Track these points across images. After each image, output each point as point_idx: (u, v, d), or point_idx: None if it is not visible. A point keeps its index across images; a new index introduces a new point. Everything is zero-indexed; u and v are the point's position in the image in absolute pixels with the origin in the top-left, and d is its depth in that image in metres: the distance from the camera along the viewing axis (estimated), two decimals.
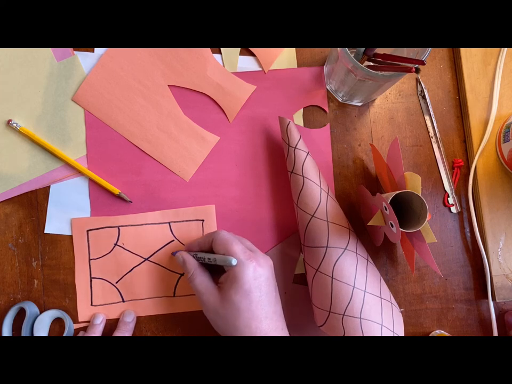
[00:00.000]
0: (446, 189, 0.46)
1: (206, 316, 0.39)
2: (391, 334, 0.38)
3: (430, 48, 0.36)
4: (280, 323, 0.38)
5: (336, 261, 0.39)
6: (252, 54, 0.47)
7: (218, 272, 0.39)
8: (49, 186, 0.46)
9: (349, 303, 0.38)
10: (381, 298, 0.39)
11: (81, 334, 0.44)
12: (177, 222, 0.46)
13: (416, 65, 0.35)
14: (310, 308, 0.45)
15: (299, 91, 0.47)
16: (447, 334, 0.45)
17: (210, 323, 0.38)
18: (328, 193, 0.41)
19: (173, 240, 0.45)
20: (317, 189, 0.41)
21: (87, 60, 0.46)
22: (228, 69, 0.46)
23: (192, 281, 0.39)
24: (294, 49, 0.47)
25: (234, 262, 0.36)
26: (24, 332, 0.43)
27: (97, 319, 0.44)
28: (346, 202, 0.46)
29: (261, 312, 0.36)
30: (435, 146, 0.47)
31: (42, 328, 0.44)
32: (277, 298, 0.39)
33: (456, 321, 0.46)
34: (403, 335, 0.40)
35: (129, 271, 0.45)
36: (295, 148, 0.42)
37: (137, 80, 0.46)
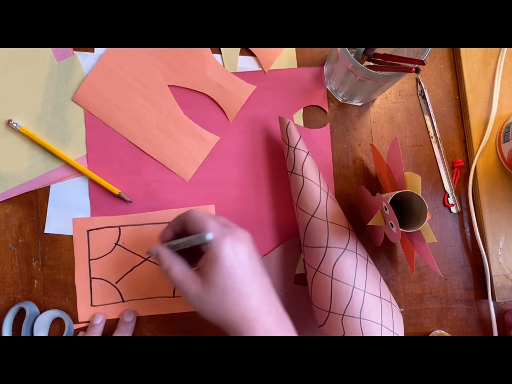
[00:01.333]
0: (446, 189, 0.46)
1: (191, 306, 0.35)
2: (391, 334, 0.38)
3: (430, 48, 0.36)
4: (271, 298, 0.36)
5: (336, 261, 0.39)
6: (252, 54, 0.47)
7: (197, 258, 0.36)
8: (49, 186, 0.46)
9: (349, 303, 0.38)
10: (380, 298, 0.39)
11: (81, 334, 0.44)
12: None
13: (416, 65, 0.35)
14: (310, 308, 0.45)
15: (299, 91, 0.47)
16: (447, 334, 0.45)
17: (197, 312, 0.35)
18: (328, 193, 0.41)
19: None
20: (316, 189, 0.41)
21: (87, 60, 0.46)
22: (228, 69, 0.46)
23: (168, 273, 0.35)
24: (294, 49, 0.47)
25: (209, 236, 0.33)
26: (24, 332, 0.43)
27: (96, 319, 0.44)
28: (346, 202, 0.46)
29: (247, 288, 0.34)
30: (435, 146, 0.47)
31: (42, 328, 0.44)
32: (263, 271, 0.37)
33: (456, 321, 0.46)
34: (403, 335, 0.40)
35: (129, 271, 0.45)
36: (295, 148, 0.42)
37: (137, 80, 0.46)
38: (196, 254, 0.37)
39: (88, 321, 0.45)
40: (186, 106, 0.46)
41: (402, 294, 0.46)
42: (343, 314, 0.38)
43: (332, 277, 0.39)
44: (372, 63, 0.40)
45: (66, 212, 0.45)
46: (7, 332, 0.44)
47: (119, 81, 0.46)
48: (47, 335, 0.45)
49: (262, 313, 0.34)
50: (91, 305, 0.45)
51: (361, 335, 0.37)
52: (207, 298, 0.34)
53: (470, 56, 0.46)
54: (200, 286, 0.34)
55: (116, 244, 0.45)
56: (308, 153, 0.42)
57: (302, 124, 0.47)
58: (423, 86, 0.47)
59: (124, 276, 0.45)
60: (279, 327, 0.35)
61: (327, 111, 0.47)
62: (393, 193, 0.36)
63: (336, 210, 0.41)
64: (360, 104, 0.47)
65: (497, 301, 0.44)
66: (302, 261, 0.46)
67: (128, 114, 0.46)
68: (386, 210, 0.36)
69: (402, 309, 0.46)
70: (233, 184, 0.46)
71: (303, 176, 0.41)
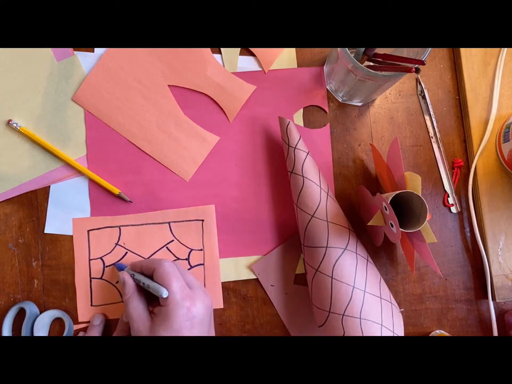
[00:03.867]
0: (446, 189, 0.46)
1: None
2: (390, 334, 0.38)
3: (430, 48, 0.36)
4: None
5: (336, 261, 0.39)
6: (252, 54, 0.47)
7: (156, 298, 0.39)
8: (49, 186, 0.46)
9: (349, 303, 0.38)
10: (380, 298, 0.39)
11: (81, 334, 0.44)
12: (177, 222, 0.46)
13: (416, 65, 0.35)
14: (310, 308, 0.45)
15: (299, 91, 0.47)
16: (447, 334, 0.45)
17: None
18: (328, 193, 0.41)
19: (173, 240, 0.46)
20: (316, 189, 0.41)
21: (87, 60, 0.46)
22: (228, 69, 0.46)
23: (127, 305, 0.38)
24: (294, 49, 0.47)
25: (165, 294, 0.36)
26: (24, 332, 0.43)
27: (96, 319, 0.44)
28: (346, 202, 0.46)
29: None
30: (435, 146, 0.47)
31: (42, 328, 0.44)
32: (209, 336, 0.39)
33: (456, 321, 0.46)
34: (403, 335, 0.40)
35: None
36: (295, 148, 0.42)
37: (137, 80, 0.46)
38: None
39: (88, 321, 0.45)
40: (186, 106, 0.46)
41: (402, 294, 0.46)
42: (343, 315, 0.38)
43: (332, 277, 0.39)
44: (372, 63, 0.40)
45: (66, 212, 0.45)
46: (7, 331, 0.44)
47: (119, 81, 0.46)
48: (47, 335, 0.45)
49: None
50: (91, 305, 0.45)
51: (361, 335, 0.37)
52: None
53: (470, 56, 0.46)
54: (148, 330, 0.37)
55: (116, 244, 0.45)
56: (307, 153, 0.42)
57: (302, 124, 0.47)
58: (423, 86, 0.47)
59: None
60: None
61: (327, 111, 0.47)
62: (393, 193, 0.36)
63: (336, 210, 0.41)
64: (360, 104, 0.47)
65: (497, 301, 0.44)
66: (302, 261, 0.46)
67: (128, 114, 0.46)
68: (386, 210, 0.36)
69: (402, 309, 0.46)
70: (233, 184, 0.46)
71: (303, 176, 0.41)
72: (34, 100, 0.46)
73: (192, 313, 0.36)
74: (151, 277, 0.39)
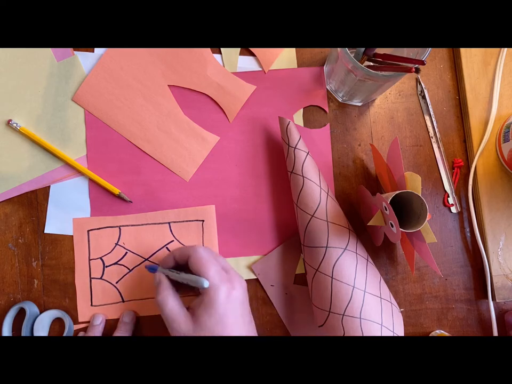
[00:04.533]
0: (446, 189, 0.46)
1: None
2: (391, 334, 0.38)
3: (430, 48, 0.36)
4: None
5: (336, 261, 0.39)
6: (252, 54, 0.47)
7: (185, 286, 0.38)
8: (49, 186, 0.46)
9: (349, 303, 0.38)
10: (380, 298, 0.39)
11: (81, 334, 0.44)
12: (177, 222, 0.46)
13: (416, 65, 0.35)
14: (310, 308, 0.45)
15: (299, 91, 0.47)
16: (447, 334, 0.45)
17: None
18: (328, 193, 0.41)
19: (173, 241, 0.46)
20: (316, 189, 0.41)
21: (87, 60, 0.46)
22: (228, 69, 0.46)
23: (162, 306, 0.36)
24: (294, 49, 0.47)
25: (206, 284, 0.35)
26: (24, 332, 0.43)
27: (96, 319, 0.44)
28: (346, 202, 0.46)
29: (236, 334, 0.36)
30: (435, 146, 0.47)
31: (42, 328, 0.44)
32: (250, 318, 0.39)
33: (456, 321, 0.46)
34: (403, 335, 0.40)
35: (129, 271, 0.45)
36: (295, 148, 0.42)
37: (137, 80, 0.46)
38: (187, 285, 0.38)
39: (88, 321, 0.45)
40: (186, 106, 0.46)
41: (402, 294, 0.46)
42: (343, 314, 0.38)
43: (332, 277, 0.39)
44: (372, 63, 0.40)
45: (66, 212, 0.45)
46: (7, 331, 0.44)
47: (119, 81, 0.46)
48: (47, 335, 0.45)
49: None
50: (91, 305, 0.45)
51: (361, 335, 0.37)
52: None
53: (470, 56, 0.46)
54: (191, 327, 0.35)
55: (116, 244, 0.45)
56: (307, 153, 0.42)
57: (302, 124, 0.47)
58: (423, 86, 0.47)
59: (124, 276, 0.45)
60: None
61: (327, 111, 0.47)
62: (393, 193, 0.36)
63: (336, 210, 0.41)
64: (360, 104, 0.47)
65: (497, 301, 0.44)
66: (302, 261, 0.46)
67: (128, 114, 0.46)
68: (386, 210, 0.36)
69: (402, 309, 0.46)
70: (233, 184, 0.46)
71: (303, 176, 0.41)
72: (34, 100, 0.46)
73: (234, 296, 0.36)
74: (185, 266, 0.38)
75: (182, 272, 0.38)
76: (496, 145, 0.45)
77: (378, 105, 0.47)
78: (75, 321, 0.45)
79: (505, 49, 0.46)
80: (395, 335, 0.39)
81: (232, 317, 0.36)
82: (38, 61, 0.46)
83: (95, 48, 0.46)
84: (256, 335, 0.39)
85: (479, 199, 0.45)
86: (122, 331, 0.43)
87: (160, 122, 0.46)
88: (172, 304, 0.36)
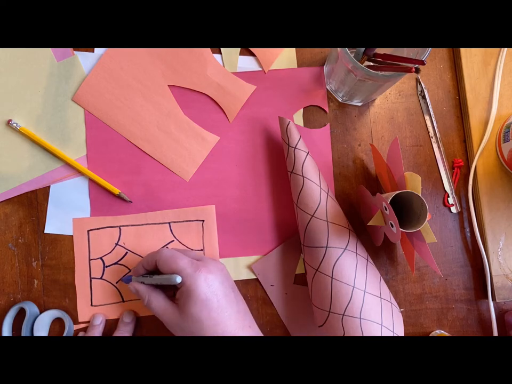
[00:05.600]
0: (446, 189, 0.46)
1: (173, 333, 0.38)
2: (391, 334, 0.38)
3: (430, 48, 0.36)
4: (247, 321, 0.38)
5: (336, 261, 0.39)
6: (252, 54, 0.47)
7: (172, 286, 0.39)
8: (49, 186, 0.46)
9: (349, 303, 0.38)
10: (380, 298, 0.39)
11: (81, 334, 0.44)
12: (177, 222, 0.46)
13: (416, 65, 0.35)
14: (310, 308, 0.45)
15: (299, 91, 0.47)
16: (447, 334, 0.45)
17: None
18: (328, 193, 0.41)
19: (173, 241, 0.46)
20: (316, 189, 0.41)
21: (87, 60, 0.46)
22: (228, 69, 0.46)
23: (149, 306, 0.38)
24: (294, 49, 0.47)
25: (178, 279, 0.36)
26: (24, 332, 0.43)
27: (96, 319, 0.44)
28: (346, 202, 0.46)
29: (223, 315, 0.36)
30: (435, 146, 0.47)
31: (42, 328, 0.44)
32: (237, 297, 0.39)
33: (456, 321, 0.46)
34: (403, 335, 0.40)
35: (130, 271, 0.45)
36: (295, 148, 0.42)
37: (137, 80, 0.46)
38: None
39: (88, 321, 0.45)
40: (186, 106, 0.46)
41: (402, 294, 0.46)
42: (343, 314, 0.38)
43: (332, 277, 0.39)
44: (372, 63, 0.40)
45: (66, 212, 0.45)
46: (7, 331, 0.44)
47: (119, 81, 0.46)
48: (47, 335, 0.45)
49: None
50: (91, 305, 0.45)
51: (361, 335, 0.37)
52: (186, 328, 0.37)
53: (470, 56, 0.46)
54: (178, 316, 0.37)
55: (116, 244, 0.45)
56: (307, 153, 0.42)
57: (302, 124, 0.47)
58: (423, 86, 0.47)
59: (124, 276, 0.45)
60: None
61: (327, 111, 0.47)
62: (393, 193, 0.36)
63: (336, 210, 0.41)
64: (360, 104, 0.47)
65: (497, 301, 0.44)
66: (302, 261, 0.46)
67: (128, 114, 0.46)
68: (386, 210, 0.36)
69: (402, 309, 0.46)
70: (233, 184, 0.46)
71: (303, 176, 0.41)
72: (34, 100, 0.46)
73: (211, 279, 0.37)
74: (157, 271, 0.39)
75: (155, 275, 0.39)
76: (496, 145, 0.45)
77: (378, 105, 0.47)
78: (75, 321, 0.45)
79: (505, 49, 0.46)
80: (395, 335, 0.39)
81: (215, 300, 0.36)
82: (38, 61, 0.46)
83: (95, 48, 0.46)
84: (248, 310, 0.40)
85: (479, 199, 0.45)
86: (122, 331, 0.43)
87: (160, 122, 0.46)
88: (155, 303, 0.38)
